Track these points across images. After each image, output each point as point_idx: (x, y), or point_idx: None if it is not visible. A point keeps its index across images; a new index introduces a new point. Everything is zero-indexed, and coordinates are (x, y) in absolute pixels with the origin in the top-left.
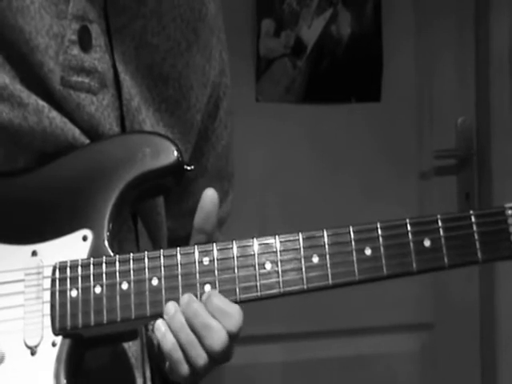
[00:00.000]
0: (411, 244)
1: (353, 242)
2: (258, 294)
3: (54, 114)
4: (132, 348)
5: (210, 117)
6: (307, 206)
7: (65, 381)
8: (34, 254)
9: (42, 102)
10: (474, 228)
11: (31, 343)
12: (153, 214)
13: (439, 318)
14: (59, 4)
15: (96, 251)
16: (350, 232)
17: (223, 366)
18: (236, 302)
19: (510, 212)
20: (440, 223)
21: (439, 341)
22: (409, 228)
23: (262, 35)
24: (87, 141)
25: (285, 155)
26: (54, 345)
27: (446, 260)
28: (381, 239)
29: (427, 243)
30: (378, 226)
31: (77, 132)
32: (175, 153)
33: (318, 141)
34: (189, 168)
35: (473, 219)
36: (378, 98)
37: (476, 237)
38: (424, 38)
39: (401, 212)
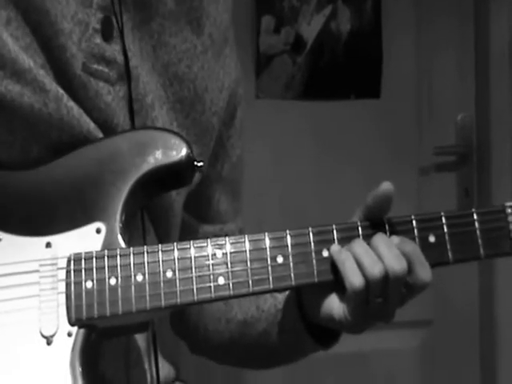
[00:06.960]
0: (417, 240)
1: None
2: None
3: (72, 103)
4: (140, 338)
5: (225, 124)
6: (307, 202)
7: (80, 369)
8: (49, 245)
9: (61, 90)
10: (476, 225)
11: (47, 333)
12: (168, 214)
13: (438, 314)
14: None
15: (109, 243)
16: (358, 227)
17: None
18: (248, 294)
19: (509, 210)
20: (444, 220)
21: (438, 337)
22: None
23: (261, 32)
24: (101, 135)
25: (285, 151)
26: (69, 335)
27: (450, 255)
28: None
29: (432, 239)
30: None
31: (91, 125)
32: (185, 149)
33: (318, 137)
34: (199, 164)
35: (475, 217)
36: (377, 95)
37: (478, 234)
38: (424, 35)
39: (400, 208)
